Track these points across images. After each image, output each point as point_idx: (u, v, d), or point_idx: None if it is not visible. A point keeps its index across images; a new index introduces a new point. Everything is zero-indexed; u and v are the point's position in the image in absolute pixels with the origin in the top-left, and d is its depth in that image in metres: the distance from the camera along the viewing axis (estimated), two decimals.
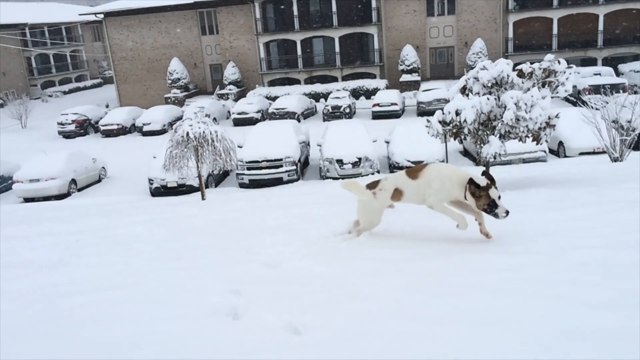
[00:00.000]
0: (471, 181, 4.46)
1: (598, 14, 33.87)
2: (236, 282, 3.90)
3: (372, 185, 5.11)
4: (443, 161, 16.51)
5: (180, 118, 28.83)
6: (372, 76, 36.99)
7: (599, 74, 28.90)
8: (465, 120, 8.02)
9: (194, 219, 8.17)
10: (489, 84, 8.25)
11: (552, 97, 8.61)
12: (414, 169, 4.91)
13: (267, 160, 17.85)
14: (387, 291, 3.52)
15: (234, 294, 3.66)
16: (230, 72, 38.16)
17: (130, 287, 4.16)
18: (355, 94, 34.67)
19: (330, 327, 3.00)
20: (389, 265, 4.12)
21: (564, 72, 8.21)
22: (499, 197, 4.46)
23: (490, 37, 35.58)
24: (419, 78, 34.91)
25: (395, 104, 29.48)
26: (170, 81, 38.60)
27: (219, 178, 18.96)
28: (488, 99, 8.11)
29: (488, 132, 8.34)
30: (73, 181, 19.22)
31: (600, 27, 34.11)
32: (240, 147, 17.90)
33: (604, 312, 2.88)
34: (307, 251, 4.80)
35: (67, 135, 32.57)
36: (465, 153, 19.77)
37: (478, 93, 8.40)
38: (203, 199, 13.92)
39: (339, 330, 2.94)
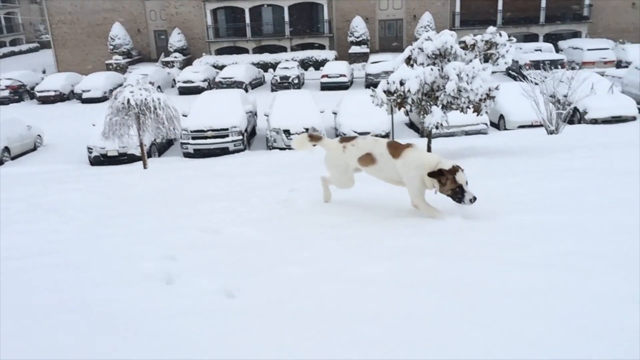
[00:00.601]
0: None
1: None
2: (172, 248, 3.82)
3: (346, 139, 4.75)
4: (389, 133, 16.68)
5: (122, 85, 27.85)
6: (321, 47, 36.75)
7: (540, 50, 29.78)
8: (409, 90, 8.10)
9: (133, 187, 7.94)
10: (433, 55, 8.34)
11: (493, 72, 8.79)
12: (396, 146, 4.46)
13: (213, 130, 17.55)
14: (323, 256, 3.53)
15: (168, 259, 3.58)
16: (176, 39, 37.01)
17: (61, 253, 4.01)
18: (304, 64, 34.41)
19: (265, 290, 2.99)
20: (327, 231, 4.13)
21: (505, 45, 8.39)
22: (467, 183, 4.11)
23: (438, 11, 35.91)
24: (368, 50, 34.96)
25: (344, 76, 29.48)
26: (111, 47, 37.12)
27: (162, 147, 18.51)
28: (432, 69, 8.20)
29: (431, 103, 8.46)
30: (6, 149, 18.33)
31: (543, 4, 35.03)
32: (185, 115, 17.50)
33: (528, 271, 3.00)
34: (247, 218, 4.75)
35: (1, 102, 30.91)
36: (411, 125, 20.05)
37: (422, 64, 8.47)
38: (145, 167, 13.56)
39: (274, 294, 2.93)
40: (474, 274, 3.04)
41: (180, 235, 4.28)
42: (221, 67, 33.30)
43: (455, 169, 4.09)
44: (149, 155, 15.93)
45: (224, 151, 17.45)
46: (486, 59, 8.59)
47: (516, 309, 2.56)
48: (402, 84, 8.10)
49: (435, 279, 3.02)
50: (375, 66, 29.56)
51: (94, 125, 17.27)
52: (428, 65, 8.34)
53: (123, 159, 16.84)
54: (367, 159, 4.54)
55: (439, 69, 8.24)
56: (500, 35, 8.40)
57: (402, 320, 2.51)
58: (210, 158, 16.35)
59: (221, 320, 2.62)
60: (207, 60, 35.29)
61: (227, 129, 17.61)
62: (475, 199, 4.06)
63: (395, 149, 4.41)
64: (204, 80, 30.68)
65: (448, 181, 4.08)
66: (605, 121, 17.44)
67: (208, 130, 17.55)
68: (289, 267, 3.31)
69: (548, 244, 3.48)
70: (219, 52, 37.58)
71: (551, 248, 3.42)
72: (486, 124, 17.87)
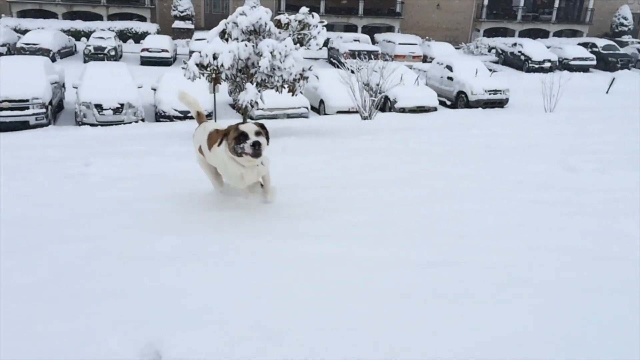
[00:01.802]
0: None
1: None
2: None
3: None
4: (211, 113, 16.30)
5: None
6: (142, 19, 34.55)
7: (358, 41, 31.52)
8: (222, 65, 7.89)
9: None
10: (248, 31, 8.24)
11: (316, 58, 8.95)
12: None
13: (9, 101, 15.45)
14: (102, 235, 3.22)
15: None
16: None
17: None
18: (123, 36, 32.05)
19: (32, 271, 2.62)
20: (120, 207, 3.80)
21: (317, 27, 8.61)
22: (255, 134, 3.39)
23: None
24: (192, 26, 33.74)
25: (166, 51, 28.10)
26: None
27: None
28: (246, 45, 8.10)
29: (245, 79, 8.36)
30: None
31: None
32: None
33: (316, 241, 3.05)
34: (23, 192, 4.19)
35: None
36: (234, 105, 19.85)
37: (237, 39, 8.33)
38: None
39: (40, 275, 2.57)
40: (260, 245, 3.00)
41: None
42: (24, 32, 29.53)
43: (230, 127, 3.49)
44: None
45: (23, 125, 15.48)
46: (300, 41, 8.74)
47: (304, 278, 2.57)
48: (215, 57, 7.88)
49: (221, 249, 2.93)
50: (200, 43, 28.64)
51: None
52: (243, 41, 8.22)
53: None
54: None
55: (253, 46, 8.17)
56: (313, 16, 8.60)
57: (170, 293, 2.37)
58: (5, 133, 14.40)
59: None
60: (6, 22, 31.01)
61: (27, 100, 15.63)
62: (256, 145, 3.30)
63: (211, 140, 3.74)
64: (3, 45, 26.94)
65: (228, 136, 3.42)
66: (412, 110, 19.08)
67: (3, 101, 15.42)
68: (61, 246, 2.95)
69: (338, 216, 3.59)
70: (22, 14, 33.27)
71: (341, 219, 3.53)
72: (307, 108, 18.39)
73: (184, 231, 3.22)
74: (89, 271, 2.65)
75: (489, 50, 34.62)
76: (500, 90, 20.49)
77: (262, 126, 3.49)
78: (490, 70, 23.66)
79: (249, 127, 3.40)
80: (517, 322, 2.16)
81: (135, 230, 3.27)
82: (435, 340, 2.03)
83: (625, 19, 38.34)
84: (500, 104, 20.45)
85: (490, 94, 20.35)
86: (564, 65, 30.19)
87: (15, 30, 30.03)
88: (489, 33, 38.84)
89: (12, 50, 27.05)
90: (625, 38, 37.67)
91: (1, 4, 33.17)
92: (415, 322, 2.16)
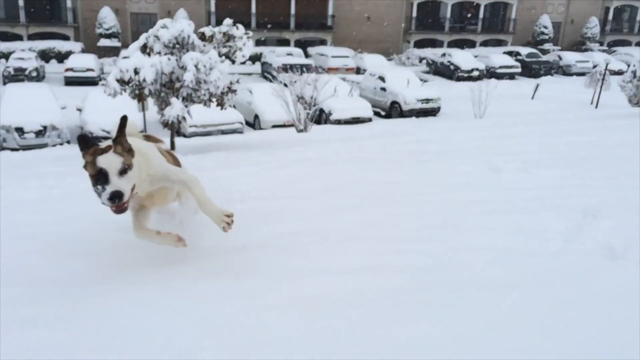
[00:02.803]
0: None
1: None
2: None
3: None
4: (142, 131, 15.77)
5: None
6: (65, 38, 33.28)
7: (291, 54, 31.65)
8: (144, 80, 7.63)
9: None
10: (170, 44, 8.01)
11: (250, 73, 8.82)
12: None
13: None
14: None
15: None
16: None
17: None
18: (45, 56, 30.73)
19: None
20: (16, 232, 3.52)
21: (242, 38, 8.50)
22: (121, 172, 2.42)
23: (193, 9, 35.57)
24: (119, 44, 32.81)
25: (92, 70, 27.12)
26: None
27: None
28: (169, 59, 7.87)
29: (170, 94, 8.12)
30: None
31: (293, 11, 37.35)
32: None
33: (246, 253, 2.92)
34: None
35: None
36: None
37: (159, 52, 8.08)
38: None
39: None
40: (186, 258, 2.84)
41: None
42: None
43: (103, 149, 2.46)
44: None
45: None
46: (227, 54, 8.59)
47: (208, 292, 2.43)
48: (136, 72, 7.60)
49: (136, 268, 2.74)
50: (127, 62, 27.86)
51: None
52: (166, 54, 7.99)
53: None
54: None
55: (176, 59, 7.95)
56: (237, 28, 8.49)
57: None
58: None
59: None
60: None
61: None
62: (116, 197, 2.35)
63: None
64: None
65: (87, 168, 2.46)
66: (347, 122, 19.21)
67: None
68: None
69: (265, 227, 3.48)
70: None
71: (270, 229, 3.42)
72: (241, 123, 18.14)
73: (96, 255, 3.00)
74: None
75: (420, 61, 35.63)
76: (431, 99, 21.02)
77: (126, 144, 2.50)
78: (421, 80, 24.29)
79: (111, 162, 2.39)
80: (431, 323, 2.11)
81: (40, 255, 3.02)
82: (347, 344, 1.94)
83: (546, 27, 40.58)
84: (433, 112, 20.97)
85: (422, 103, 20.84)
86: (491, 73, 31.43)
87: None
88: (419, 44, 40.01)
89: None
90: (546, 46, 39.81)
91: None
92: (333, 327, 2.06)
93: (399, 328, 2.07)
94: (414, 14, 40.10)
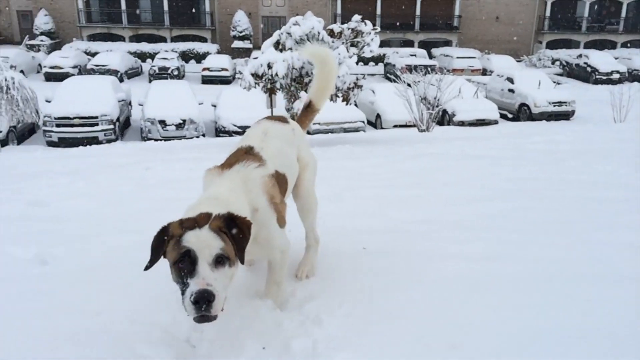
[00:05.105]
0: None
1: None
2: None
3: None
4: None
5: None
6: (203, 40, 35.81)
7: (415, 55, 31.35)
8: (276, 74, 8.02)
9: None
10: (301, 40, 8.34)
11: (372, 74, 8.96)
12: None
13: (80, 117, 16.29)
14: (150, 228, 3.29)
15: None
16: (42, 22, 34.10)
17: None
18: (185, 56, 33.30)
19: (81, 258, 2.71)
20: (165, 204, 3.89)
21: (370, 34, 8.61)
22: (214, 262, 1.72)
23: (320, 11, 36.45)
24: (251, 46, 34.61)
25: (226, 70, 28.95)
26: None
27: (23, 135, 16.79)
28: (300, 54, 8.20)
29: (299, 88, 8.46)
30: None
31: (418, 12, 36.97)
32: (49, 101, 16.13)
33: (374, 235, 3.01)
34: (85, 191, 4.35)
35: None
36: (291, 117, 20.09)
37: (291, 48, 8.45)
38: None
39: (89, 261, 2.65)
40: None
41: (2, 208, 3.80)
42: (94, 54, 31.22)
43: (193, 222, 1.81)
44: (5, 143, 14.38)
45: (93, 140, 16.21)
46: (353, 45, 8.73)
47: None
48: (269, 67, 8.01)
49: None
50: (262, 56, 29.29)
51: None
52: (297, 50, 8.34)
53: None
54: None
55: None
56: (365, 24, 8.62)
57: None
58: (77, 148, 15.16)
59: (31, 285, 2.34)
60: (78, 45, 32.89)
61: (96, 117, 16.42)
62: (201, 301, 1.61)
63: None
64: (74, 67, 28.54)
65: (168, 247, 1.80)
66: (471, 124, 18.66)
67: (75, 118, 16.25)
68: (109, 237, 3.04)
69: (388, 210, 3.54)
70: (92, 38, 35.23)
71: (404, 215, 3.47)
72: (364, 122, 18.34)
73: None
74: (121, 262, 2.69)
75: (552, 63, 33.53)
76: (565, 102, 19.72)
77: (236, 223, 1.81)
78: (554, 82, 22.89)
79: (203, 239, 1.72)
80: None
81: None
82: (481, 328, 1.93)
83: None
84: (566, 116, 19.67)
85: (554, 105, 19.62)
86: (633, 76, 28.81)
87: (85, 52, 31.79)
88: (552, 45, 37.67)
89: (83, 71, 28.59)
90: None
91: (72, 28, 35.26)
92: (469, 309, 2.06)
93: (535, 314, 2.02)
94: (548, 13, 37.84)
